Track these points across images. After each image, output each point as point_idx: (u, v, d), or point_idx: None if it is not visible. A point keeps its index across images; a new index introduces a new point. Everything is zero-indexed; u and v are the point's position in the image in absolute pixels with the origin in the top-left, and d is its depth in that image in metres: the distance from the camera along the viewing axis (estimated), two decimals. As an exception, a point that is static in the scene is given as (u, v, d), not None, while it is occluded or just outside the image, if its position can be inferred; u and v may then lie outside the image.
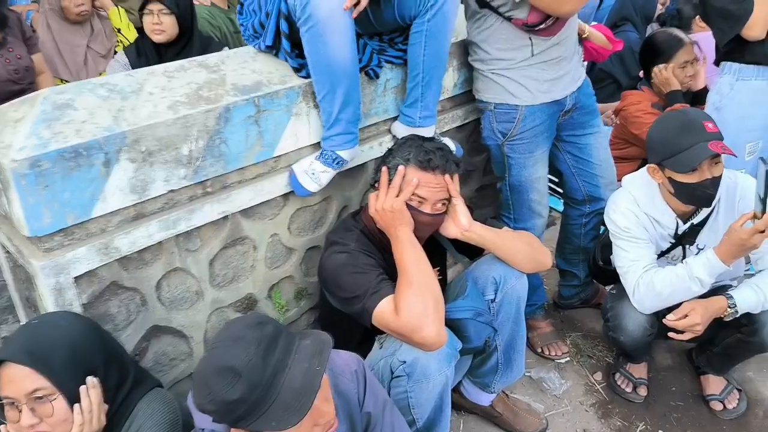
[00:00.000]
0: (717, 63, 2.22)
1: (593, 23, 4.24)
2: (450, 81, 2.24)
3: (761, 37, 2.02)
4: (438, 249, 1.94)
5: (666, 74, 2.84)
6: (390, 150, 1.80)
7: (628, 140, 2.95)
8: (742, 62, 2.11)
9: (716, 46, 2.21)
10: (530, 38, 1.98)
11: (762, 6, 1.98)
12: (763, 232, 1.73)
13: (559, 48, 2.04)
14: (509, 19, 1.96)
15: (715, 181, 1.82)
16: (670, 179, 1.85)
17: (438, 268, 1.96)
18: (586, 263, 2.45)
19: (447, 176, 1.73)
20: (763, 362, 2.33)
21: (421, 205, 1.72)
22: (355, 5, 1.70)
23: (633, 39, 3.82)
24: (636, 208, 1.97)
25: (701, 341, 2.17)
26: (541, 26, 1.95)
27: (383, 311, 1.59)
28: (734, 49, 2.09)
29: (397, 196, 1.70)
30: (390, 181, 1.71)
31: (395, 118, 2.09)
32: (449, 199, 1.77)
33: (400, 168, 1.71)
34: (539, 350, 2.42)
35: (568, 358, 2.39)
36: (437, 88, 2.00)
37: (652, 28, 4.08)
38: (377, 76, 1.95)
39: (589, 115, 2.24)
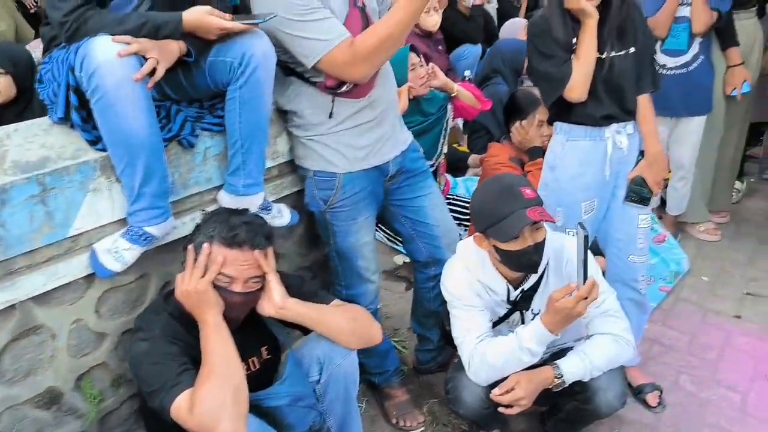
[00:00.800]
0: (550, 122, 2.23)
1: (467, 73, 4.34)
2: (285, 145, 2.15)
3: (582, 99, 2.04)
4: (265, 327, 1.82)
5: (522, 132, 2.87)
6: (197, 226, 1.68)
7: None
8: (570, 122, 2.12)
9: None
10: (332, 101, 1.92)
11: (581, 69, 2.01)
12: (586, 298, 1.71)
13: (372, 111, 1.99)
14: (314, 83, 1.89)
15: (539, 247, 1.79)
16: (495, 247, 1.81)
17: (266, 347, 1.84)
18: (438, 327, 2.38)
19: (258, 252, 1.63)
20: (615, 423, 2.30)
21: (230, 285, 1.61)
22: (152, 74, 1.59)
23: (503, 91, 3.88)
24: (468, 275, 1.91)
25: (550, 407, 2.13)
26: (343, 89, 1.89)
27: (179, 407, 1.46)
28: (561, 109, 2.10)
29: (203, 276, 1.58)
30: (196, 260, 1.60)
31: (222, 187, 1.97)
32: (262, 277, 1.66)
33: (204, 246, 1.59)
34: (394, 421, 2.31)
35: (423, 428, 2.29)
36: (260, 155, 1.90)
37: (523, 81, 4.16)
38: (192, 146, 1.84)
39: (418, 178, 2.19)
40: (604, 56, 2.03)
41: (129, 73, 1.54)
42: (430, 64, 3.24)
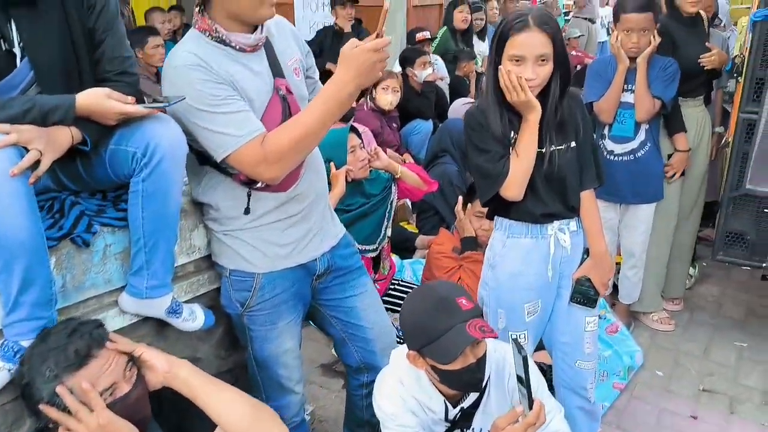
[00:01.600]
0: (489, 217, 2.08)
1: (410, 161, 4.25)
2: (203, 239, 1.94)
3: (519, 198, 1.91)
4: None
5: (463, 219, 2.74)
6: (23, 380, 1.43)
7: (429, 281, 2.77)
8: (510, 219, 1.98)
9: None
10: (248, 195, 1.74)
11: (519, 167, 1.88)
12: (534, 424, 1.52)
13: (297, 204, 1.81)
14: (231, 174, 1.72)
15: (481, 363, 1.60)
16: (432, 367, 1.61)
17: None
18: (373, 439, 2.15)
19: (109, 344, 1.46)
20: None
21: (117, 392, 1.43)
22: (34, 167, 1.39)
23: (451, 171, 3.78)
24: (402, 391, 1.71)
25: None
26: (259, 184, 1.72)
27: None
28: (500, 205, 1.96)
29: (93, 411, 1.37)
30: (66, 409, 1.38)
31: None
32: (132, 359, 1.49)
33: (60, 390, 1.38)
34: None
35: None
36: (166, 253, 1.69)
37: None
38: (87, 245, 1.62)
39: (351, 276, 2.00)
40: (543, 150, 1.90)
41: (5, 167, 1.34)
42: (373, 145, 3.13)
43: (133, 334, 1.78)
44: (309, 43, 5.62)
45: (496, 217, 2.04)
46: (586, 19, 9.28)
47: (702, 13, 3.14)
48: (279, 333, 1.86)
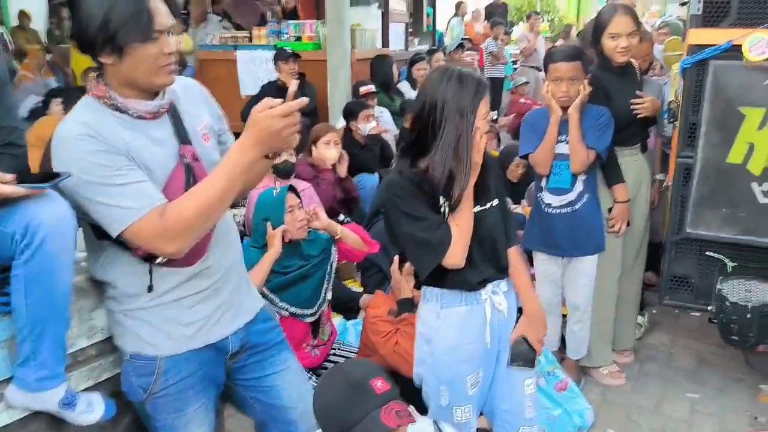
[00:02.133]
0: (417, 287, 1.98)
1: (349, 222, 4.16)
2: (105, 319, 1.79)
3: (461, 266, 1.82)
4: None
5: (399, 280, 2.63)
6: None
7: (367, 346, 2.64)
8: (444, 288, 1.87)
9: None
10: (150, 272, 1.61)
11: (461, 232, 1.80)
12: None
13: (205, 280, 1.69)
14: (130, 249, 1.59)
15: (404, 450, 1.47)
16: None
17: None
18: None
19: None
20: None
21: None
22: None
23: (394, 227, 3.68)
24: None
25: None
26: (159, 259, 1.59)
27: None
28: (433, 274, 1.85)
29: None
30: None
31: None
32: None
33: None
34: None
35: None
36: (56, 341, 1.54)
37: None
38: (-38, 335, 1.46)
39: (270, 353, 1.86)
40: (476, 211, 1.84)
41: None
42: (312, 205, 3.03)
43: (23, 431, 1.61)
44: (253, 98, 5.63)
45: (424, 288, 1.93)
46: (532, 67, 9.51)
47: (633, 61, 3.16)
48: (187, 421, 1.70)
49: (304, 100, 1.55)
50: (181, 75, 5.75)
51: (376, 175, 4.81)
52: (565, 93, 2.74)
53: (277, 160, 3.53)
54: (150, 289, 1.62)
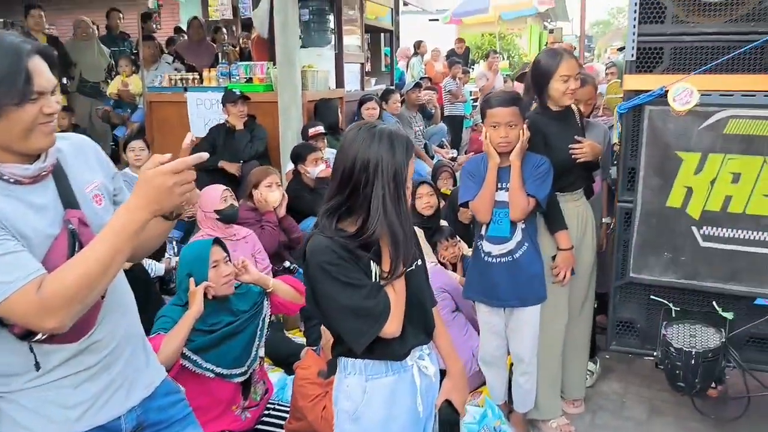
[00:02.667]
0: (335, 356, 1.84)
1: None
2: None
3: (397, 333, 1.71)
4: None
5: (329, 338, 2.49)
6: None
7: (297, 410, 2.48)
8: (371, 358, 1.75)
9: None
10: (31, 349, 1.46)
11: (398, 298, 1.70)
12: None
13: (93, 355, 1.54)
14: (5, 326, 1.44)
15: None
16: None
17: None
18: None
19: None
20: None
21: None
22: None
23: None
24: None
25: None
26: (38, 336, 1.44)
27: None
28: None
29: None
30: None
31: None
32: None
33: None
34: None
35: None
36: None
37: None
38: None
39: (172, 429, 1.71)
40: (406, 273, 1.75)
41: None
42: (241, 257, 2.89)
43: None
44: (202, 140, 5.51)
45: (343, 360, 1.80)
46: (491, 106, 9.56)
47: (572, 106, 3.13)
48: None
49: (201, 156, 1.44)
50: (131, 117, 5.64)
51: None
52: (504, 138, 2.68)
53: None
54: (37, 367, 1.47)
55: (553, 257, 2.91)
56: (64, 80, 7.03)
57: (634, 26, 3.03)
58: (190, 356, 2.57)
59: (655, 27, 3.02)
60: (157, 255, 4.33)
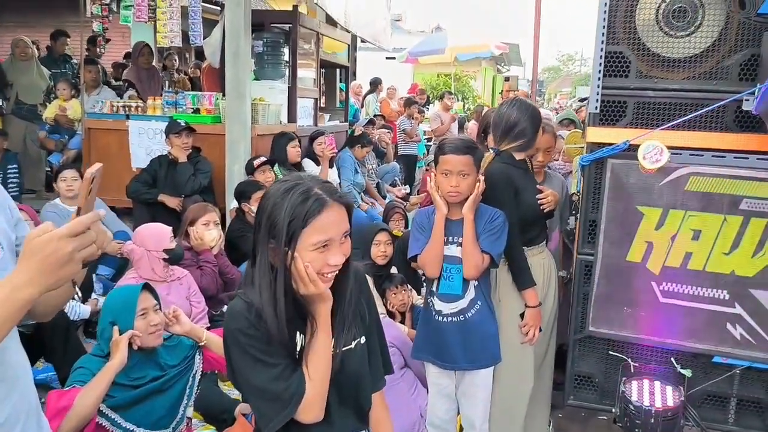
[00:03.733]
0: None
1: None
2: None
3: (318, 419, 1.50)
4: None
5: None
6: None
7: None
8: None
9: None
10: None
11: (318, 377, 1.47)
12: None
13: None
14: None
15: None
16: None
17: None
18: None
19: None
20: None
21: None
22: None
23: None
24: None
25: None
26: None
27: None
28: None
29: None
30: None
31: None
32: None
33: None
34: None
35: None
36: None
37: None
38: None
39: None
40: (335, 353, 1.52)
41: None
42: (172, 307, 2.64)
43: None
44: (142, 172, 5.21)
45: None
46: (445, 146, 9.52)
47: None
48: None
49: (98, 213, 1.21)
50: (68, 144, 5.29)
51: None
52: (453, 188, 2.51)
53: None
54: None
55: (522, 314, 2.73)
56: (0, 102, 6.63)
57: (599, 79, 3.00)
58: (108, 414, 2.31)
59: (619, 80, 3.00)
60: (83, 294, 4.00)
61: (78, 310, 3.71)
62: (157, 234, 3.47)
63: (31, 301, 1.16)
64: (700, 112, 2.83)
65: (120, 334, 2.38)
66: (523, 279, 2.72)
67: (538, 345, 2.91)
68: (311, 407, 1.46)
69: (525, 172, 2.84)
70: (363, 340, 1.60)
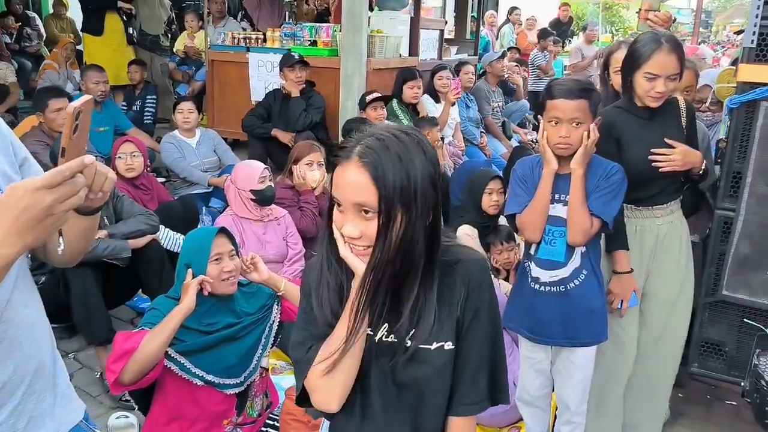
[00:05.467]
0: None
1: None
2: None
3: (331, 410, 1.29)
4: None
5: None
6: None
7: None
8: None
9: None
10: None
11: (320, 372, 1.24)
12: None
13: None
14: None
15: None
16: None
17: None
18: None
19: None
20: None
21: None
22: None
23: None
24: None
25: None
26: None
27: None
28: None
29: None
30: None
31: None
32: None
33: None
34: None
35: None
36: None
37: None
38: None
39: None
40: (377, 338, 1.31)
41: None
42: (250, 254, 2.53)
43: None
44: (257, 106, 5.17)
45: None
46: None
47: (679, 98, 2.55)
48: None
49: (84, 161, 1.04)
50: (194, 76, 5.35)
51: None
52: (564, 139, 2.14)
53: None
54: None
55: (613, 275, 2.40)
56: (130, 30, 6.85)
57: (759, 7, 2.47)
58: (177, 359, 2.26)
59: None
60: (191, 225, 4.05)
61: (176, 241, 3.74)
62: (245, 173, 3.40)
63: (10, 261, 1.03)
64: None
65: (193, 278, 2.32)
66: (614, 239, 2.36)
67: (651, 322, 2.53)
68: (315, 391, 1.28)
69: (643, 121, 2.39)
70: (449, 345, 1.30)
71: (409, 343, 1.27)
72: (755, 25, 2.46)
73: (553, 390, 2.52)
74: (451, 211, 4.17)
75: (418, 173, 1.17)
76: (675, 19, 4.40)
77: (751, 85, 2.55)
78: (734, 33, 10.98)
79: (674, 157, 2.35)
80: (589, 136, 2.13)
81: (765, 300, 2.73)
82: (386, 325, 1.28)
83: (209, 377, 2.29)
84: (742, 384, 2.74)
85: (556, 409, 2.56)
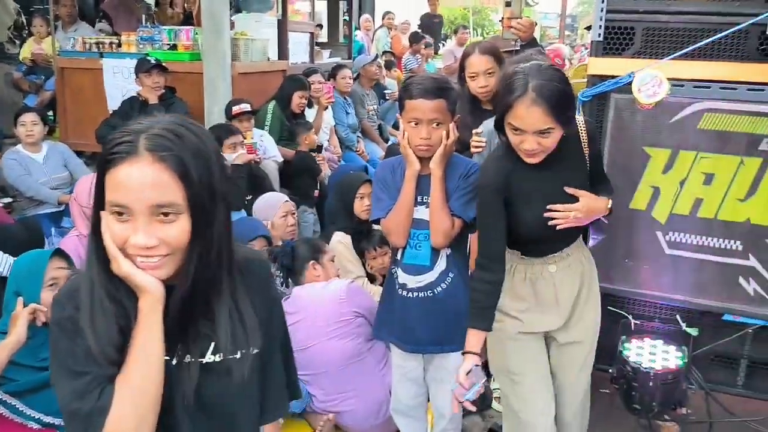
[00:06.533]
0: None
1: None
2: None
3: None
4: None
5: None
6: None
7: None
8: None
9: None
10: None
11: (125, 401, 1.06)
12: None
13: None
14: None
15: None
16: None
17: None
18: None
19: None
20: None
21: None
22: None
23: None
24: None
25: None
26: None
27: None
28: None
29: None
30: None
31: None
32: None
33: None
34: None
35: None
36: None
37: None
38: None
39: None
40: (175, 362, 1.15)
41: None
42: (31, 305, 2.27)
43: None
44: (112, 115, 4.80)
45: None
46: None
47: (579, 118, 2.51)
48: None
49: None
50: (44, 85, 4.85)
51: (243, 212, 4.05)
52: (424, 140, 2.06)
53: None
54: None
55: None
56: (-35, 39, 6.21)
57: (603, 1, 2.55)
58: (6, 401, 2.03)
59: (626, 3, 2.58)
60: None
61: (6, 263, 3.25)
62: (84, 187, 3.13)
63: None
64: (718, 36, 2.42)
65: (24, 307, 2.07)
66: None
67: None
68: (124, 416, 1.06)
69: (537, 172, 1.92)
70: (255, 350, 1.20)
71: (212, 358, 1.15)
72: (601, 19, 2.56)
73: (428, 399, 2.44)
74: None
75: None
76: (536, 23, 4.54)
77: (601, 77, 2.63)
78: (585, 29, 11.63)
79: (575, 214, 1.93)
80: (448, 137, 2.06)
81: (626, 287, 2.84)
82: (184, 344, 1.14)
83: (48, 419, 2.08)
84: (610, 371, 2.81)
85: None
